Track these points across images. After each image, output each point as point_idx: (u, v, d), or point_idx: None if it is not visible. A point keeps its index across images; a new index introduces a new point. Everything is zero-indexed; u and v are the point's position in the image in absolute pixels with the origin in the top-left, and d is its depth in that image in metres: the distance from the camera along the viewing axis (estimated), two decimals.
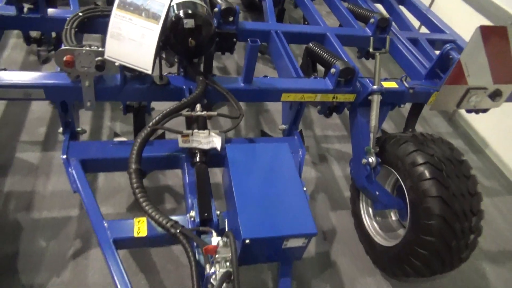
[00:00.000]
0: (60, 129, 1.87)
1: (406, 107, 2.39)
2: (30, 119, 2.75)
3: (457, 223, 1.83)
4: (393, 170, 2.07)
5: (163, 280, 2.06)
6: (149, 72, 1.52)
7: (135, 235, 1.56)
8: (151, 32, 1.45)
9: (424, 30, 3.13)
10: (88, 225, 2.19)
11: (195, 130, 1.64)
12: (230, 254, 1.27)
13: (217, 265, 1.28)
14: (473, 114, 2.46)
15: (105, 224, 1.57)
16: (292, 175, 1.60)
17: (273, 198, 1.50)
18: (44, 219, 2.20)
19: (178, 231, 1.46)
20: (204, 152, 1.69)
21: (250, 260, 1.53)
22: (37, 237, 2.11)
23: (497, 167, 3.24)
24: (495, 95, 1.82)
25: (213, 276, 1.28)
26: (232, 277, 1.25)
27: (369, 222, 2.37)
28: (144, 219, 1.61)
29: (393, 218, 2.36)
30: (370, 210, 2.40)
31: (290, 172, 1.61)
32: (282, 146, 1.72)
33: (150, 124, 1.63)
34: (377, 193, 2.12)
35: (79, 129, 1.92)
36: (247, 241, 1.37)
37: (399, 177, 2.03)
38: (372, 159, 2.06)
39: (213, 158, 1.77)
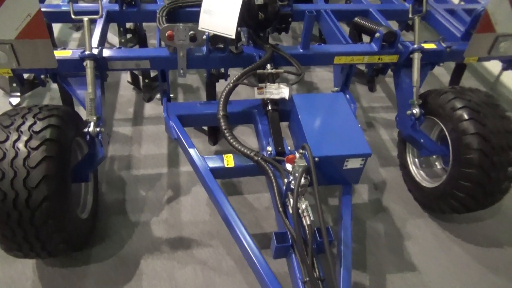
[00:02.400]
0: (158, 95, 2.36)
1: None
2: (120, 102, 3.31)
3: (495, 155, 2.10)
4: (436, 119, 2.37)
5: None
6: (233, 36, 1.97)
7: (226, 165, 1.99)
8: (235, 6, 1.89)
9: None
10: (177, 179, 2.69)
11: (267, 84, 2.06)
12: (305, 164, 1.65)
13: (295, 174, 1.67)
14: None
15: (202, 158, 2.01)
16: (348, 114, 1.97)
17: (334, 130, 1.88)
18: (142, 175, 2.71)
19: (259, 158, 1.88)
20: (274, 102, 2.10)
21: (318, 182, 1.90)
22: (138, 188, 2.62)
23: None
24: None
25: (292, 182, 1.67)
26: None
27: (416, 171, 2.67)
28: (230, 155, 2.04)
29: (438, 166, 2.64)
30: (417, 160, 2.69)
31: (346, 112, 1.98)
32: (339, 94, 2.10)
33: (232, 80, 2.07)
34: (422, 140, 2.43)
35: (172, 95, 2.41)
36: (316, 159, 1.75)
37: (440, 123, 2.33)
38: (416, 110, 2.38)
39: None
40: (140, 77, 3.30)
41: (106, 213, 2.44)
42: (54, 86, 3.33)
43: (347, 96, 2.50)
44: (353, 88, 3.71)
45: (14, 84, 2.67)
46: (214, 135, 2.82)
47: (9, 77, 2.67)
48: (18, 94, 2.67)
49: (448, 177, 2.29)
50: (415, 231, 2.52)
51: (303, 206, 1.63)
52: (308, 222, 1.61)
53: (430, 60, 2.47)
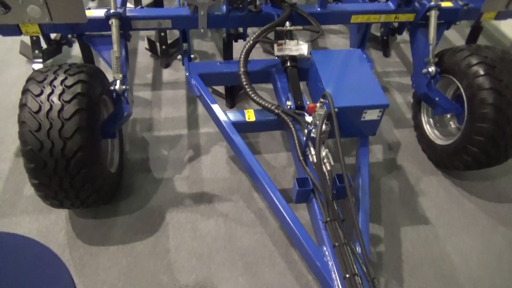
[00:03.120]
0: (179, 56, 2.43)
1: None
2: (139, 68, 3.39)
3: (509, 110, 2.15)
4: (451, 76, 2.41)
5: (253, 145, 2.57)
6: None
7: (247, 119, 2.07)
8: None
9: None
10: (197, 139, 2.79)
11: (287, 40, 2.11)
12: (326, 111, 1.72)
13: (316, 122, 1.74)
14: None
15: (226, 113, 2.09)
16: (365, 69, 2.02)
17: (352, 83, 1.94)
18: (163, 136, 2.81)
19: (280, 111, 1.95)
20: (293, 59, 2.16)
21: (335, 133, 1.98)
22: (160, 148, 2.72)
23: None
24: None
25: (313, 131, 1.75)
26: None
27: (430, 130, 2.73)
28: (251, 110, 2.12)
29: (452, 125, 2.69)
30: (431, 120, 2.75)
31: (363, 67, 2.04)
32: (356, 50, 2.15)
33: (252, 37, 2.12)
34: (437, 99, 2.47)
35: (192, 55, 2.47)
36: (336, 109, 1.82)
37: (456, 80, 2.37)
38: (432, 68, 2.42)
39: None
40: (158, 44, 3.36)
41: (131, 170, 2.55)
42: (74, 53, 3.44)
43: (364, 56, 2.54)
44: (367, 53, 3.73)
45: (37, 51, 2.78)
46: (232, 97, 2.89)
47: (31, 44, 2.78)
48: (40, 60, 2.77)
49: (462, 133, 2.35)
50: (428, 188, 2.59)
51: (323, 154, 1.72)
52: (329, 168, 1.70)
53: (447, 18, 2.48)
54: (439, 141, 2.62)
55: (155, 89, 3.19)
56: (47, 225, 2.24)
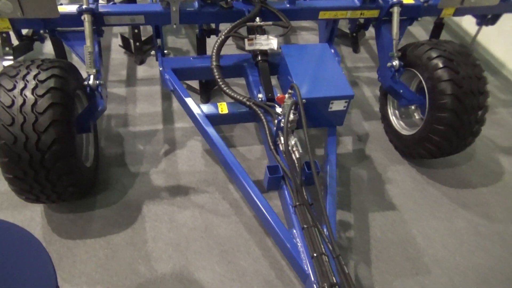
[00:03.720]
0: (153, 52, 2.47)
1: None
2: (113, 64, 3.40)
3: (466, 100, 2.30)
4: (414, 69, 2.55)
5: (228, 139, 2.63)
6: None
7: (220, 112, 2.14)
8: None
9: None
10: (172, 134, 2.83)
11: (257, 35, 2.19)
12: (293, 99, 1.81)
13: (285, 112, 1.83)
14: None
15: (200, 106, 2.16)
16: (332, 62, 2.13)
17: (320, 75, 2.04)
18: (138, 131, 2.84)
19: (252, 103, 2.03)
20: (263, 53, 2.24)
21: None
22: (136, 143, 2.75)
23: None
24: None
25: (282, 120, 1.84)
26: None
27: (396, 122, 2.87)
28: (224, 103, 2.19)
29: (417, 117, 2.83)
30: (397, 112, 2.89)
31: (330, 60, 2.14)
32: (324, 45, 2.25)
33: (224, 32, 2.19)
34: (401, 91, 2.61)
35: (166, 51, 2.52)
36: (304, 100, 1.91)
37: (418, 73, 2.50)
38: (395, 62, 2.55)
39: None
40: (131, 41, 3.38)
41: (107, 165, 2.58)
42: (46, 51, 3.42)
43: (332, 50, 2.65)
44: (337, 49, 3.85)
45: (7, 48, 2.75)
46: (206, 92, 2.95)
47: (1, 41, 2.75)
48: (11, 57, 2.75)
49: (425, 123, 2.49)
50: (395, 176, 2.73)
51: (292, 142, 1.80)
52: (297, 156, 1.79)
53: (409, 14, 2.62)
54: (404, 132, 2.76)
55: (129, 86, 3.22)
56: (22, 221, 2.25)
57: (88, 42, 2.12)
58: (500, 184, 2.76)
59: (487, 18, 2.90)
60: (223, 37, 2.18)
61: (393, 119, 2.89)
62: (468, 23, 4.07)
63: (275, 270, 2.13)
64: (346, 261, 2.22)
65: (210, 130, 2.05)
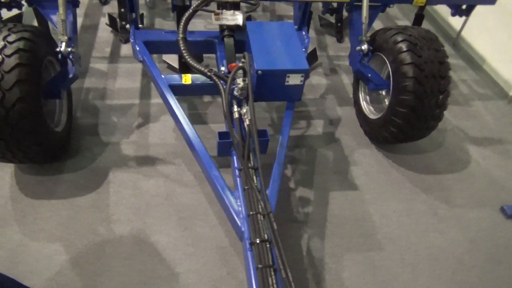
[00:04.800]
0: (128, 26, 2.56)
1: None
2: (98, 42, 3.50)
3: (427, 83, 2.34)
4: (381, 54, 2.60)
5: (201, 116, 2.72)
6: None
7: (183, 82, 2.22)
8: None
9: None
10: (148, 109, 2.92)
11: (224, 10, 2.27)
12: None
13: (237, 80, 1.90)
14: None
15: (163, 76, 2.24)
16: (293, 39, 2.19)
17: (279, 49, 2.10)
18: (115, 104, 2.93)
19: (212, 74, 2.10)
20: (230, 28, 2.31)
21: (264, 96, 2.15)
22: (110, 115, 2.84)
23: (492, 78, 3.64)
24: None
25: (235, 89, 1.91)
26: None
27: (366, 106, 2.92)
28: (188, 75, 2.27)
29: (386, 102, 2.88)
30: (368, 97, 2.94)
31: (292, 37, 2.20)
32: (289, 23, 2.31)
33: (192, 7, 2.27)
34: (369, 75, 2.66)
35: (140, 25, 2.61)
36: (259, 71, 1.98)
37: (384, 57, 2.55)
38: (364, 46, 2.60)
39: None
40: (118, 20, 3.47)
41: (81, 134, 2.67)
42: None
43: (304, 32, 2.72)
44: (322, 39, 3.92)
45: None
46: (185, 70, 3.03)
47: None
48: None
49: (388, 106, 2.54)
50: (361, 158, 2.79)
51: (244, 110, 1.88)
52: (247, 123, 1.86)
53: (381, 1, 2.67)
54: (372, 116, 2.81)
55: (112, 62, 3.31)
56: None
57: (61, 10, 2.20)
58: (466, 172, 2.80)
59: (461, 9, 2.93)
60: (191, 11, 2.26)
61: (363, 104, 2.94)
62: (454, 19, 4.10)
63: (230, 238, 2.20)
64: (301, 233, 2.29)
65: (171, 99, 2.13)
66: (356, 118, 3.06)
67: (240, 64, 1.90)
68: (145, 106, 2.94)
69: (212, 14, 2.26)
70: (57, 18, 2.21)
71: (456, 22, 4.05)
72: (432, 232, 2.40)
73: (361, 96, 2.96)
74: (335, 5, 2.74)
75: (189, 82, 2.22)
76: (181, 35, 2.20)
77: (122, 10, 3.33)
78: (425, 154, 2.89)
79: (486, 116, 3.29)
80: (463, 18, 3.86)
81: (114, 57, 3.36)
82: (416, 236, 2.36)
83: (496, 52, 3.60)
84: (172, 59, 3.12)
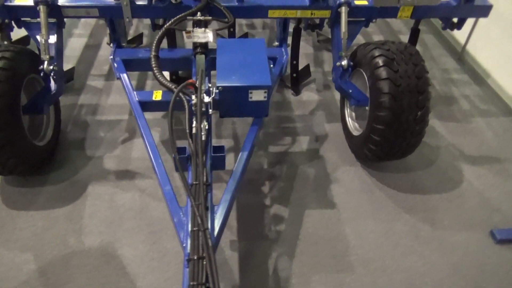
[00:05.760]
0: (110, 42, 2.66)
1: None
2: (98, 60, 3.65)
3: (403, 99, 2.26)
4: (361, 69, 2.55)
5: None
6: None
7: (154, 98, 2.27)
8: None
9: None
10: (135, 124, 3.00)
11: (195, 28, 2.31)
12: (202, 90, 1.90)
13: (193, 96, 1.92)
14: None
15: (135, 93, 2.30)
16: (261, 56, 2.19)
17: (244, 66, 2.11)
18: (104, 120, 3.03)
19: (178, 90, 2.13)
20: (203, 45, 2.35)
21: (229, 112, 2.15)
22: (99, 130, 2.94)
23: (496, 93, 3.45)
24: None
25: (192, 104, 1.93)
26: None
27: (351, 123, 2.86)
28: (159, 92, 2.32)
29: None
30: (353, 113, 2.87)
31: (260, 54, 2.21)
32: (259, 40, 2.32)
33: (166, 25, 2.33)
34: (350, 91, 2.61)
35: (124, 44, 2.71)
36: (220, 87, 2.00)
37: (363, 72, 2.50)
38: (344, 62, 2.56)
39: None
40: None
41: (67, 147, 2.78)
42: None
43: (283, 49, 2.72)
44: (319, 54, 3.90)
45: None
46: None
47: None
48: None
49: (367, 123, 2.47)
50: (343, 176, 2.71)
51: (201, 126, 1.89)
52: (203, 138, 1.87)
53: (361, 15, 2.63)
54: (355, 133, 2.74)
55: (108, 80, 3.44)
56: None
57: (43, 30, 2.34)
58: (456, 192, 2.65)
59: (451, 22, 2.83)
60: (164, 29, 2.32)
61: (348, 120, 2.88)
62: (459, 32, 3.96)
63: None
64: (270, 252, 2.24)
65: (140, 115, 2.19)
66: (343, 135, 2.99)
67: (190, 81, 1.92)
68: (133, 121, 3.02)
69: (184, 32, 2.31)
70: (40, 38, 2.34)
71: (461, 35, 3.91)
72: (411, 255, 2.28)
73: (347, 112, 2.90)
74: (317, 21, 2.72)
75: (159, 98, 2.27)
76: (153, 53, 2.26)
77: None
78: (413, 173, 2.77)
79: (486, 132, 3.12)
80: (468, 31, 3.76)
81: (111, 75, 3.49)
82: (393, 259, 2.25)
83: (501, 66, 3.43)
84: None
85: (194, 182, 1.78)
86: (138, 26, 4.11)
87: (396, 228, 2.42)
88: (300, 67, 3.39)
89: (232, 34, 3.49)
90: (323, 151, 2.89)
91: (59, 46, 2.51)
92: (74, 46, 3.88)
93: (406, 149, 2.46)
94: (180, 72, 3.16)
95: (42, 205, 2.42)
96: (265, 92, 2.04)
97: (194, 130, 1.94)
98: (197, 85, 1.92)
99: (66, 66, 3.43)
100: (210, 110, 2.00)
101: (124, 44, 2.75)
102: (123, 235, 2.29)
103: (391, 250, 2.30)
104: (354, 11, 2.58)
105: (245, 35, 3.82)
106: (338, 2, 2.53)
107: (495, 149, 2.98)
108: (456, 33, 4.01)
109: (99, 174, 2.61)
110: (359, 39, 4.16)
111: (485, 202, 2.59)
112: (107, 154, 2.76)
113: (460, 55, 3.91)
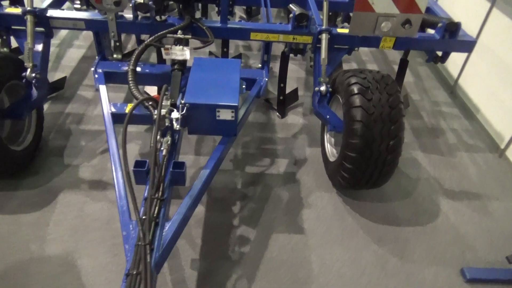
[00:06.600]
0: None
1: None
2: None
3: (375, 128, 2.25)
4: (338, 95, 2.55)
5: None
6: (140, 0, 2.31)
7: (127, 111, 2.30)
8: None
9: None
10: (117, 135, 3.02)
11: (173, 46, 2.36)
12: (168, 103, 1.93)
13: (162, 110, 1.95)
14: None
15: (109, 104, 2.34)
16: (234, 76, 2.21)
17: (215, 85, 2.13)
18: (88, 129, 3.08)
19: (149, 104, 2.17)
20: (180, 63, 2.39)
21: (197, 129, 2.17)
22: (81, 139, 2.98)
23: (485, 128, 3.41)
24: (405, 23, 2.23)
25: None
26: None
27: (329, 148, 2.84)
28: (132, 104, 2.35)
29: None
30: (332, 139, 2.86)
31: (234, 74, 2.23)
32: (235, 61, 2.35)
33: (146, 41, 2.39)
34: (328, 116, 2.61)
35: (109, 57, 2.77)
36: (187, 104, 2.02)
37: (340, 98, 2.50)
38: (323, 87, 2.58)
39: None
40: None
41: (47, 154, 2.82)
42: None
43: (264, 71, 2.75)
44: (310, 79, 3.92)
45: None
46: None
47: None
48: None
49: (341, 150, 2.46)
50: (317, 201, 2.68)
51: (163, 140, 1.91)
52: (164, 154, 1.89)
53: (343, 43, 2.66)
54: (331, 159, 2.73)
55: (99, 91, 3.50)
56: None
57: (28, 39, 2.42)
58: (430, 225, 2.60)
59: (435, 55, 2.84)
60: (143, 45, 2.37)
61: (327, 145, 2.87)
62: (452, 66, 3.96)
63: None
64: (230, 273, 2.21)
65: (109, 126, 2.22)
66: (322, 160, 2.98)
67: (165, 96, 1.95)
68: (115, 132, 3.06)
69: (162, 49, 2.36)
70: (25, 47, 2.41)
71: (454, 69, 3.91)
72: (376, 287, 2.22)
73: (326, 137, 2.90)
74: (300, 46, 2.75)
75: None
76: (131, 67, 2.31)
77: (117, 44, 3.57)
78: (389, 203, 2.73)
79: (469, 168, 3.07)
80: (460, 65, 3.76)
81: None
82: None
83: (490, 102, 3.40)
84: None
85: (150, 196, 1.78)
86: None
87: (363, 257, 2.36)
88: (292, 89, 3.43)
89: (225, 54, 3.55)
90: (300, 174, 2.87)
91: (45, 55, 2.58)
92: (73, 56, 3.98)
93: (378, 178, 2.42)
94: None
95: (12, 209, 2.44)
96: (232, 111, 2.05)
97: (158, 145, 1.96)
98: (167, 99, 1.94)
99: (60, 75, 3.55)
100: (178, 126, 2.01)
101: (110, 56, 2.81)
102: (85, 245, 2.28)
103: (355, 280, 2.24)
104: (336, 38, 2.61)
105: (239, 56, 3.88)
106: (319, 29, 2.56)
107: (476, 185, 2.92)
108: (449, 66, 4.02)
109: (73, 183, 2.63)
110: (353, 67, 4.19)
111: (459, 238, 2.52)
112: (84, 163, 2.79)
113: (452, 88, 3.89)
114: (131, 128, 3.10)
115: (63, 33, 4.34)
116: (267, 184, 2.76)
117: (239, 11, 4.87)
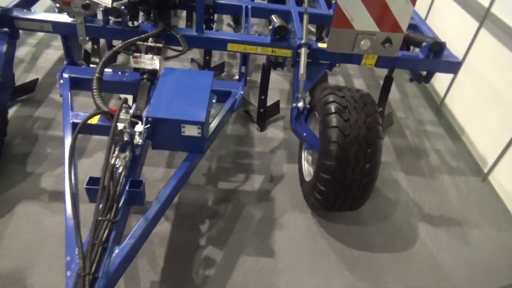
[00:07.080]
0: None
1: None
2: None
3: (351, 150, 2.15)
4: (315, 112, 2.45)
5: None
6: (109, 5, 2.18)
7: (89, 122, 2.16)
8: None
9: None
10: (87, 144, 2.90)
11: (142, 54, 2.24)
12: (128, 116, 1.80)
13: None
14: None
15: (71, 113, 2.21)
16: (204, 89, 2.09)
17: (182, 99, 2.01)
18: (56, 135, 2.93)
19: (108, 113, 2.03)
20: (150, 73, 2.27)
21: (162, 144, 2.05)
22: (47, 146, 2.84)
23: (469, 150, 3.33)
24: (385, 42, 2.13)
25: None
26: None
27: (306, 167, 2.73)
28: (98, 116, 2.22)
29: None
30: (310, 157, 2.75)
31: (204, 87, 2.11)
32: (208, 73, 2.24)
33: (114, 48, 2.27)
34: (304, 134, 2.50)
35: (79, 62, 2.64)
36: (150, 119, 1.90)
37: (317, 116, 2.40)
38: (300, 104, 2.47)
39: None
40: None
41: (9, 161, 2.67)
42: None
43: (241, 84, 2.63)
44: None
45: None
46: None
47: None
48: None
49: (315, 170, 2.35)
50: (290, 222, 2.56)
51: (121, 156, 1.78)
52: (120, 171, 1.76)
53: (323, 58, 2.56)
54: (307, 178, 2.61)
55: (73, 95, 3.36)
56: None
57: None
58: (406, 252, 2.49)
59: (418, 74, 2.74)
60: (111, 52, 2.25)
61: (304, 164, 2.76)
62: (440, 84, 3.89)
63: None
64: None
65: (68, 137, 2.08)
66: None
67: (122, 112, 1.82)
68: (85, 140, 2.92)
69: (131, 57, 2.24)
70: None
71: (441, 88, 3.83)
72: None
73: (304, 155, 2.78)
74: (280, 59, 2.65)
75: (94, 122, 2.17)
76: (96, 75, 2.18)
77: (95, 46, 3.45)
78: (364, 226, 2.62)
79: (450, 191, 2.97)
80: (447, 84, 3.68)
81: (76, 90, 3.42)
82: None
83: (476, 123, 3.32)
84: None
85: (98, 218, 1.65)
86: None
87: (333, 285, 2.25)
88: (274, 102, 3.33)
89: (207, 63, 3.44)
90: (275, 192, 2.76)
91: (9, 57, 2.45)
92: (49, 57, 3.85)
93: (353, 202, 2.32)
94: None
95: None
96: (198, 127, 1.93)
97: (114, 161, 1.83)
98: (127, 113, 1.81)
99: (33, 77, 3.40)
100: (140, 140, 1.89)
101: (79, 61, 2.68)
102: (39, 262, 2.14)
103: None
104: (316, 53, 2.51)
105: (222, 65, 3.76)
106: (298, 42, 2.46)
107: (456, 210, 2.82)
108: (436, 84, 3.94)
109: (33, 193, 2.49)
110: (340, 81, 4.10)
111: (435, 267, 2.42)
112: (48, 172, 2.65)
113: (438, 107, 3.81)
114: (103, 138, 2.96)
115: (40, 33, 4.20)
116: (239, 202, 2.64)
117: (227, 18, 4.76)
